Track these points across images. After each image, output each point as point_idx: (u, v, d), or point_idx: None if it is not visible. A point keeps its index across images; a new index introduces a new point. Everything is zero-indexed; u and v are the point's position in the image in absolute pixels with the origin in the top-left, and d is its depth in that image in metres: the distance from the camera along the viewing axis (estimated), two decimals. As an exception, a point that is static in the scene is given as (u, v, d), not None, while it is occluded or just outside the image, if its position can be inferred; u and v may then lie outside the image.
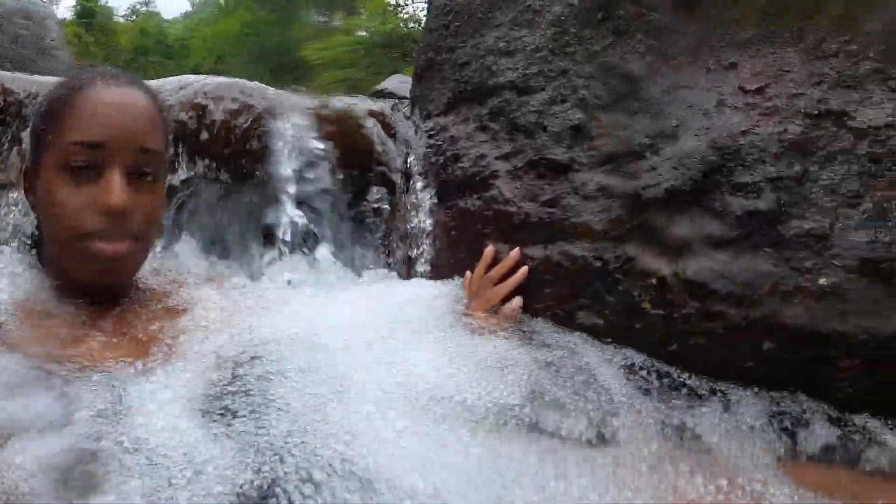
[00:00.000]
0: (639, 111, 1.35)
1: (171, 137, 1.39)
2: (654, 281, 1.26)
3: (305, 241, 1.72)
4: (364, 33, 13.59)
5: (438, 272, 1.60)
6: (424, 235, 1.64)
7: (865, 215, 1.18)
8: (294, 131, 1.73)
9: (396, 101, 2.08)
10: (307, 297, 1.44)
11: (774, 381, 1.22)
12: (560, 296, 1.38)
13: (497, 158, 1.53)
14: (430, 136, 1.70)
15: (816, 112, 1.25)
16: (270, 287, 1.49)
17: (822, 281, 1.16)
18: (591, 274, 1.34)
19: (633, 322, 1.30)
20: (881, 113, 1.25)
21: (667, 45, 1.41)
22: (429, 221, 1.64)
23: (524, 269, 1.41)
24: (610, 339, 1.32)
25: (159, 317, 1.19)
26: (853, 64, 1.31)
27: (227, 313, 1.23)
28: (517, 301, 1.40)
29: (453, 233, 1.59)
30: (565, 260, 1.37)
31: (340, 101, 1.90)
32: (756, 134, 1.24)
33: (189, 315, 1.20)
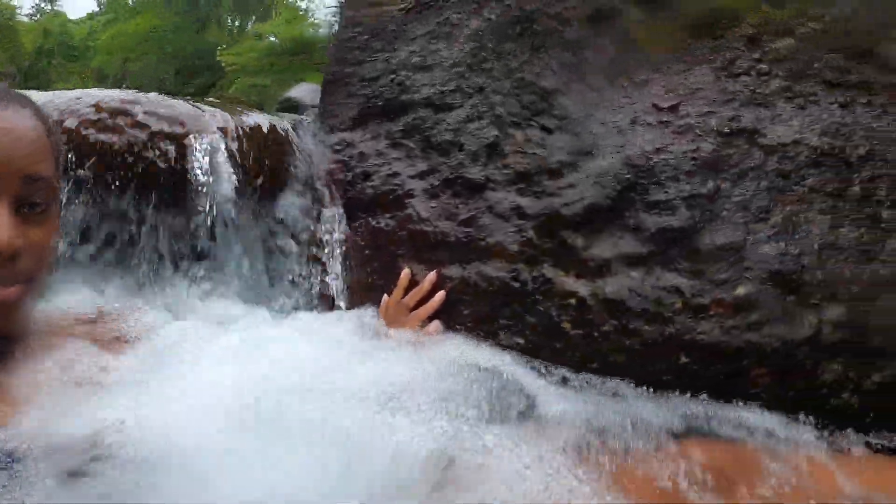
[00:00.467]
0: (554, 129, 1.34)
1: (62, 161, 1.26)
2: (573, 301, 1.24)
3: (212, 268, 1.62)
4: (274, 39, 13.21)
5: (352, 294, 1.53)
6: (336, 256, 1.56)
7: (775, 229, 1.21)
8: (203, 149, 1.62)
9: (304, 114, 1.99)
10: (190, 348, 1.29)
11: (691, 390, 1.21)
12: (479, 316, 1.34)
13: (412, 177, 1.48)
14: (335, 152, 1.62)
15: (728, 130, 1.27)
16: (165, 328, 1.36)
17: (737, 292, 1.17)
18: (509, 294, 1.30)
19: (553, 341, 1.27)
20: (790, 130, 1.28)
21: (582, 61, 1.40)
22: (339, 241, 1.57)
23: (441, 294, 1.36)
24: (532, 358, 1.29)
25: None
26: (763, 82, 1.34)
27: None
28: (435, 326, 1.35)
29: (367, 252, 1.52)
30: (482, 281, 1.33)
31: (249, 117, 1.81)
32: (670, 152, 1.24)
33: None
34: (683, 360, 1.20)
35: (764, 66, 1.34)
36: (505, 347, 1.30)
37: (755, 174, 1.24)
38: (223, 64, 13.38)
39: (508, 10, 1.48)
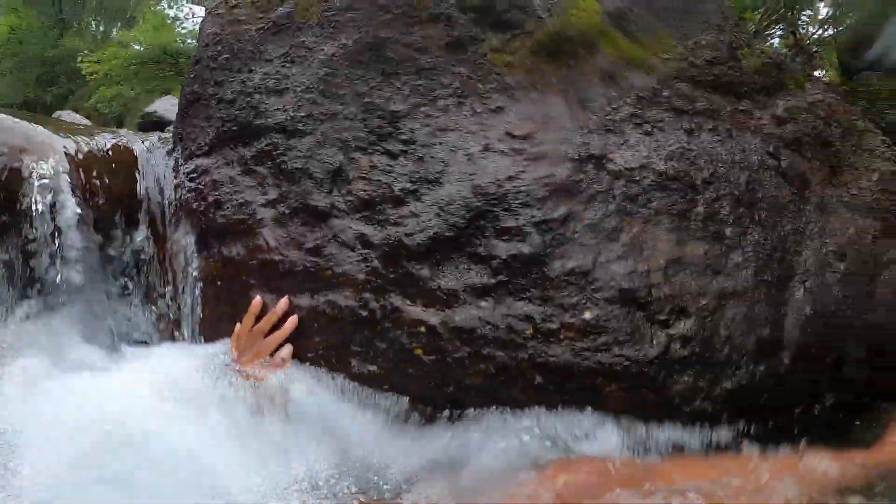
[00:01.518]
0: (401, 154, 1.30)
1: None
2: (423, 329, 1.21)
3: (51, 302, 1.49)
4: (139, 47, 12.45)
5: (205, 327, 1.45)
6: (189, 287, 1.47)
7: (624, 248, 1.23)
8: (49, 175, 1.50)
9: (167, 130, 1.88)
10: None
11: (547, 406, 1.22)
12: (330, 344, 1.30)
13: (262, 205, 1.40)
14: (191, 180, 1.53)
15: (578, 156, 1.28)
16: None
17: (586, 315, 1.17)
18: (359, 323, 1.26)
19: (407, 368, 1.25)
20: (637, 155, 1.31)
21: (436, 87, 1.38)
22: (192, 272, 1.48)
23: (293, 319, 1.31)
24: (387, 386, 1.26)
25: None
26: (613, 110, 1.36)
27: None
28: (286, 350, 1.31)
29: (219, 283, 1.45)
30: (332, 309, 1.28)
31: (97, 138, 1.69)
32: (522, 179, 1.24)
33: None
34: (538, 380, 1.20)
35: (614, 94, 1.37)
36: (358, 376, 1.27)
37: (604, 197, 1.26)
38: (84, 72, 12.21)
39: (364, 36, 1.45)
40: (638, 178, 1.30)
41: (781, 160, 1.46)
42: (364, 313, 1.25)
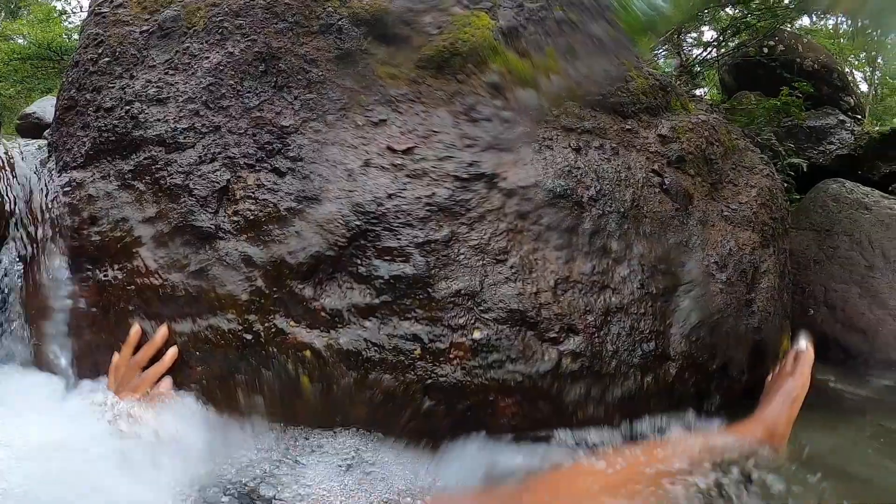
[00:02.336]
0: (289, 171, 1.25)
1: None
2: (308, 353, 1.16)
3: None
4: (22, 41, 11.43)
5: (79, 359, 1.33)
6: (60, 314, 1.36)
7: (513, 270, 1.22)
8: None
9: (41, 141, 1.74)
10: None
11: (437, 432, 1.20)
12: (214, 373, 1.22)
13: (141, 223, 1.31)
14: (65, 194, 1.42)
15: (466, 175, 1.26)
16: None
17: (475, 335, 1.16)
18: (243, 348, 1.19)
19: (294, 398, 1.18)
20: (529, 173, 1.31)
21: (325, 100, 1.34)
22: (64, 297, 1.36)
23: (173, 350, 1.22)
24: (273, 417, 1.19)
25: None
26: (506, 128, 1.36)
27: None
28: (166, 383, 1.22)
29: (94, 309, 1.33)
30: (215, 335, 1.21)
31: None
32: (403, 197, 1.21)
33: None
34: (427, 403, 1.17)
35: (508, 114, 1.37)
36: (244, 410, 1.19)
37: (494, 217, 1.25)
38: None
39: (253, 45, 1.39)
40: (530, 196, 1.30)
41: (665, 177, 1.50)
42: (248, 336, 1.18)
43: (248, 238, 1.22)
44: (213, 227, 1.24)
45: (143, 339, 1.26)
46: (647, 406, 1.35)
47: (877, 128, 4.61)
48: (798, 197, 3.34)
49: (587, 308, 1.28)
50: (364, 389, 1.15)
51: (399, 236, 1.18)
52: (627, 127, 1.54)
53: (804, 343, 1.35)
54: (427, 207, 1.20)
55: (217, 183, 1.27)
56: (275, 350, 1.17)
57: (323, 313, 1.16)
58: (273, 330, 1.17)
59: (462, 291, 1.17)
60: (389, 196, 1.20)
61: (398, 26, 1.42)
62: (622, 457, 1.10)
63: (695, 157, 1.61)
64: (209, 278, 1.22)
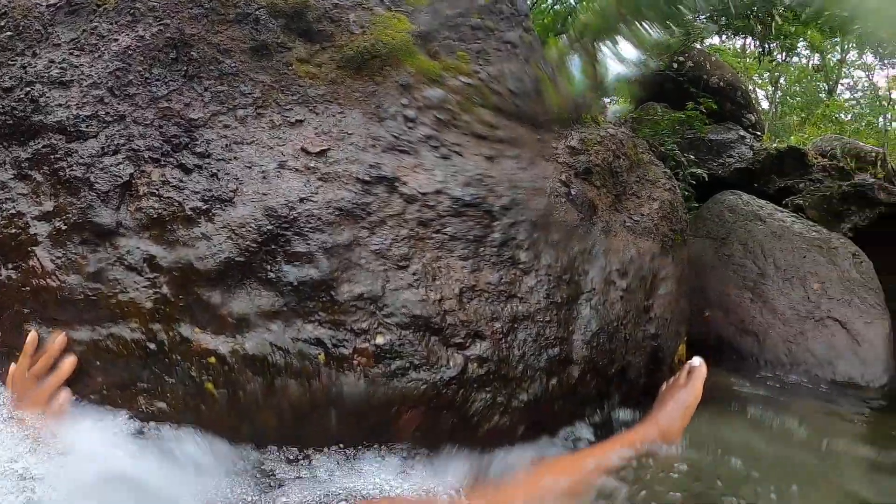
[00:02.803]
0: (195, 168, 1.21)
1: None
2: (213, 360, 1.13)
3: None
4: None
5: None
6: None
7: (415, 277, 1.23)
8: None
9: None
10: None
11: (344, 443, 1.20)
12: (115, 382, 1.17)
13: (37, 219, 1.23)
14: (-48, 183, 1.32)
15: (369, 178, 1.26)
16: None
17: (378, 340, 1.16)
18: (147, 357, 1.15)
19: (199, 404, 1.15)
20: (432, 179, 1.32)
21: (236, 94, 1.31)
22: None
23: (71, 360, 1.16)
24: (178, 425, 1.16)
25: None
26: (409, 129, 1.37)
27: None
28: (65, 397, 1.16)
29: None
30: (116, 344, 1.15)
31: None
32: (314, 201, 1.19)
33: None
34: (333, 414, 1.17)
35: (411, 113, 1.38)
36: (147, 415, 1.16)
37: (395, 222, 1.25)
38: None
39: (166, 29, 1.34)
40: (433, 204, 1.30)
41: (572, 188, 1.56)
42: (152, 346, 1.14)
43: (151, 236, 1.18)
44: (113, 223, 1.19)
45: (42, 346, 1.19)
46: (552, 409, 1.40)
47: (774, 144, 4.92)
48: (697, 205, 3.53)
49: (494, 315, 1.31)
50: (271, 396, 1.14)
51: (309, 241, 1.17)
52: (539, 137, 1.58)
53: (697, 360, 1.47)
54: (334, 212, 1.20)
55: (119, 177, 1.22)
56: (178, 357, 1.14)
57: (230, 319, 1.13)
58: (178, 339, 1.14)
59: (364, 295, 1.17)
60: (301, 200, 1.19)
61: (322, 22, 1.41)
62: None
63: (601, 169, 1.67)
64: (109, 282, 1.16)
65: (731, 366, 2.82)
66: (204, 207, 1.18)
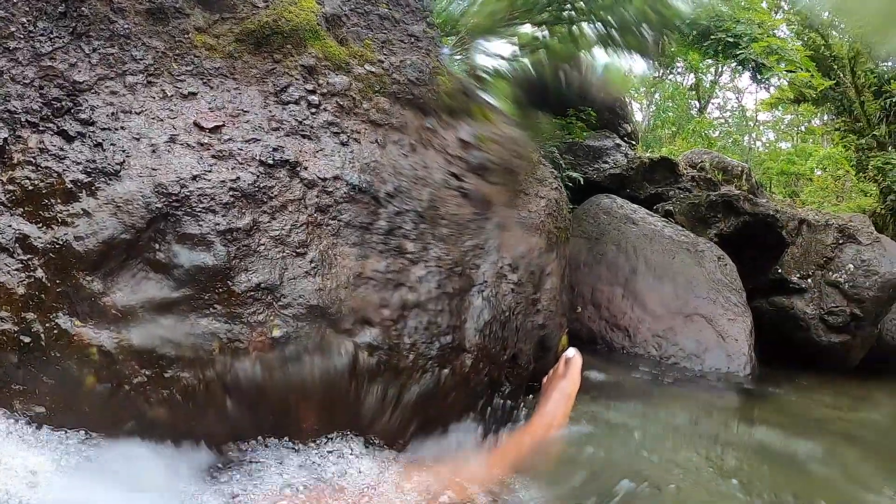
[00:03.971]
0: (78, 136, 1.12)
1: None
2: (94, 354, 1.05)
3: None
4: None
5: None
6: None
7: (313, 264, 1.21)
8: None
9: None
10: None
11: (242, 436, 1.16)
12: None
13: None
14: None
15: (271, 161, 1.23)
16: None
17: (275, 333, 1.14)
18: (21, 352, 1.04)
19: (80, 402, 1.06)
20: (331, 164, 1.31)
21: (128, 58, 1.22)
22: None
23: None
24: (54, 427, 1.05)
25: None
26: (312, 114, 1.34)
27: None
28: None
29: None
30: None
31: None
32: (208, 180, 1.14)
33: None
34: (230, 404, 1.12)
35: (315, 98, 1.35)
36: (22, 417, 1.04)
37: (295, 207, 1.23)
38: None
39: (56, -19, 1.22)
40: (331, 190, 1.29)
41: (465, 182, 1.59)
42: (26, 339, 1.04)
43: (25, 213, 1.07)
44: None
45: None
46: (445, 402, 1.42)
47: (647, 154, 5.26)
48: (573, 207, 3.72)
49: (382, 303, 1.30)
50: (160, 388, 1.07)
51: (201, 222, 1.12)
52: (427, 125, 1.58)
53: (572, 351, 1.63)
54: (231, 192, 1.16)
55: (-11, 141, 1.10)
56: (57, 353, 1.04)
57: (114, 311, 1.06)
58: (56, 331, 1.05)
59: (262, 285, 1.14)
60: (194, 178, 1.14)
61: (227, -10, 1.34)
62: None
63: (499, 167, 1.71)
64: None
65: (602, 357, 2.98)
66: (86, 181, 1.10)
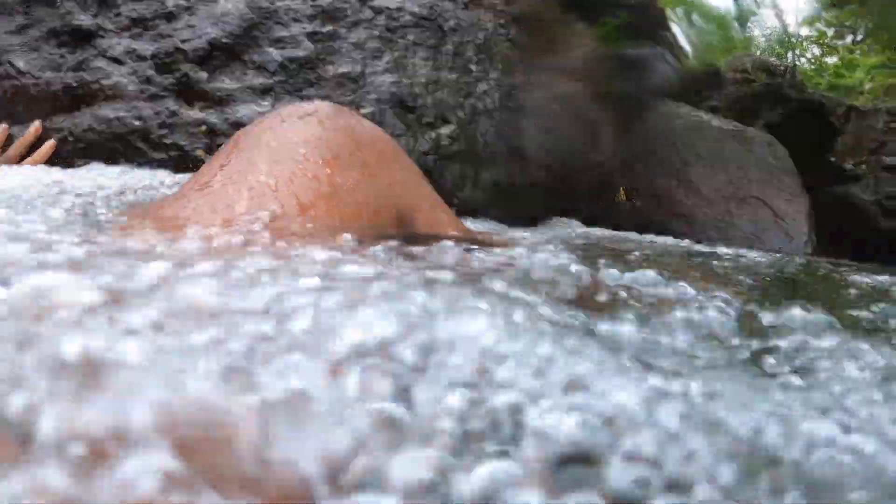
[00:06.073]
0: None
1: None
2: (203, 128, 1.23)
3: None
4: None
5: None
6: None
7: (388, 65, 1.38)
8: None
9: None
10: None
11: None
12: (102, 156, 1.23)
13: (8, 33, 1.29)
14: None
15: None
16: None
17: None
18: (134, 132, 1.23)
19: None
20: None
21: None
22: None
23: (50, 143, 1.23)
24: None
25: None
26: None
27: None
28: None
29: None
30: (99, 123, 1.23)
31: None
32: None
33: None
34: None
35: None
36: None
37: (367, 25, 1.39)
38: None
39: None
40: (396, 17, 1.44)
41: (510, 30, 1.72)
42: (137, 123, 1.22)
43: (133, 35, 1.26)
44: (94, 26, 1.27)
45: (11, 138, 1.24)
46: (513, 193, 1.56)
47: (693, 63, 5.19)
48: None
49: (457, 105, 1.45)
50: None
51: (290, 28, 1.29)
52: None
53: None
54: (312, 7, 1.33)
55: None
56: (166, 132, 1.22)
57: (217, 94, 1.24)
58: (165, 112, 1.23)
59: (348, 75, 1.30)
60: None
61: None
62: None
63: (531, 18, 1.84)
64: (92, 71, 1.24)
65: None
66: (186, 5, 1.28)
